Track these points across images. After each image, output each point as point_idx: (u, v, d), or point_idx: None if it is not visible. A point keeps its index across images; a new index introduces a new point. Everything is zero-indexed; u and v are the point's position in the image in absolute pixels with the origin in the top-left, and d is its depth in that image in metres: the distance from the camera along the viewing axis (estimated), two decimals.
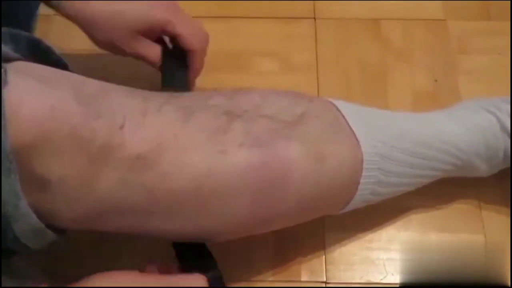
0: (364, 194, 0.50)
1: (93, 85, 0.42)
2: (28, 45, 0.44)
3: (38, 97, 0.36)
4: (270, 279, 0.58)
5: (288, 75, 0.71)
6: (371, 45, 0.73)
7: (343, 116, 0.49)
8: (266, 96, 0.47)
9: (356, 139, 0.48)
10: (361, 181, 0.49)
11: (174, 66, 0.58)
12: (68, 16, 0.53)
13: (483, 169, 0.56)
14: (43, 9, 0.75)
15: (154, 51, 0.57)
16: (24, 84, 0.36)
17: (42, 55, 0.45)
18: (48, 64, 0.42)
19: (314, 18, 0.75)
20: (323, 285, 0.58)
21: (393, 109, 0.68)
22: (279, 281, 0.57)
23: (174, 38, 0.57)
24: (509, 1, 0.75)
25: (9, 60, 0.39)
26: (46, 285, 0.38)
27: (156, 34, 0.57)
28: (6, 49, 0.39)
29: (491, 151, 0.55)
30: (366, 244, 0.59)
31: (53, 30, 0.74)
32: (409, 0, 0.76)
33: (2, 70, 0.35)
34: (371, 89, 0.70)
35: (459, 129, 0.54)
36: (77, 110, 0.38)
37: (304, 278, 0.58)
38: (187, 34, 0.56)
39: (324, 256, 0.59)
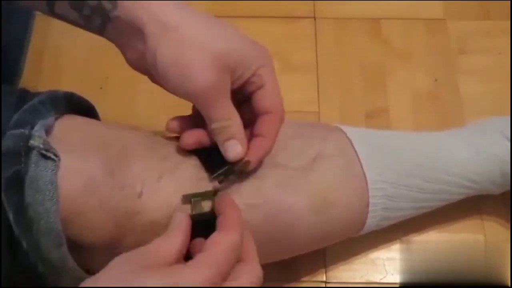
0: (368, 230, 0.52)
1: (115, 144, 0.44)
2: (65, 102, 0.46)
3: (73, 176, 0.40)
4: (270, 279, 0.57)
5: (288, 75, 0.71)
6: (371, 45, 0.73)
7: (356, 153, 0.49)
8: (278, 141, 0.47)
9: (366, 182, 0.49)
10: (366, 220, 0.50)
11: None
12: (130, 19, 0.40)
13: (496, 190, 0.56)
14: None
15: (230, 111, 0.43)
16: (63, 164, 0.40)
17: (76, 104, 0.48)
18: (80, 110, 0.47)
19: (314, 18, 0.75)
20: (323, 285, 0.58)
21: (393, 109, 0.68)
22: (279, 281, 0.57)
23: (248, 97, 0.44)
24: (509, 1, 0.75)
25: (50, 127, 0.42)
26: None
27: (239, 81, 0.43)
28: (50, 120, 0.42)
29: (506, 177, 0.54)
30: (365, 244, 0.59)
31: (52, 30, 0.74)
32: (409, 0, 0.76)
33: (56, 158, 0.39)
34: (371, 89, 0.70)
35: (475, 161, 0.53)
36: (104, 183, 0.41)
37: (304, 278, 0.58)
38: (275, 87, 0.43)
39: (324, 256, 0.59)
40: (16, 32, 0.71)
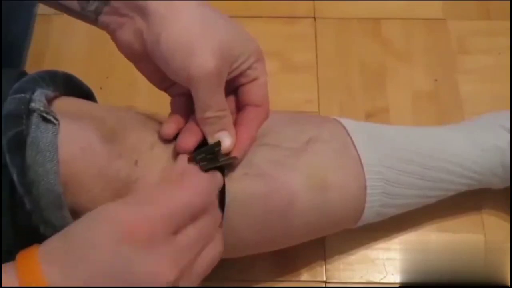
0: (369, 217, 0.51)
1: (111, 118, 0.44)
2: (64, 82, 0.46)
3: (72, 141, 0.40)
4: (270, 279, 0.58)
5: (288, 75, 0.71)
6: (371, 45, 0.73)
7: (351, 139, 0.49)
8: (270, 126, 0.46)
9: (362, 166, 0.48)
10: (366, 205, 0.50)
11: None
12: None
13: (498, 183, 0.56)
14: (42, 9, 0.75)
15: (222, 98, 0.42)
16: (62, 129, 0.40)
17: (74, 87, 0.48)
18: (78, 93, 0.47)
19: (314, 18, 0.75)
20: (323, 285, 0.58)
21: (393, 109, 0.68)
22: (279, 281, 0.57)
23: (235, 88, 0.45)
24: (509, 1, 0.75)
25: (50, 100, 0.43)
26: None
27: (235, 72, 0.43)
28: (49, 92, 0.43)
29: (507, 170, 0.54)
30: (365, 244, 0.59)
31: (52, 30, 0.74)
32: (409, 0, 0.76)
33: (57, 122, 0.40)
34: (371, 89, 0.70)
35: (474, 151, 0.53)
36: (102, 150, 0.42)
37: (304, 278, 0.58)
38: (266, 81, 0.44)
39: (324, 256, 0.59)
40: (16, 32, 0.71)
